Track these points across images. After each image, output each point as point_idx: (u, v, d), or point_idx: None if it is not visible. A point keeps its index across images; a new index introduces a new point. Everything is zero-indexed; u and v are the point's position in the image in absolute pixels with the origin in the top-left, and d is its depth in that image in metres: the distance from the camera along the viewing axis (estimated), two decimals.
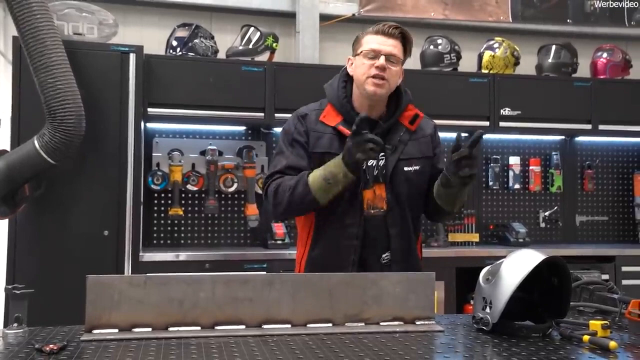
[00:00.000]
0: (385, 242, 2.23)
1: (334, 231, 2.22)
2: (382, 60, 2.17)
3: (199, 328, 1.72)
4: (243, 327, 1.74)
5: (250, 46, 4.20)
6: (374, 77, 2.19)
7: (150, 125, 4.15)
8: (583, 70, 4.80)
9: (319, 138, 2.25)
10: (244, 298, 1.76)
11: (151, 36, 4.31)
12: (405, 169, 2.25)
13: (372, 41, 2.21)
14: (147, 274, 1.77)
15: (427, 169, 2.31)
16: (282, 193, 2.19)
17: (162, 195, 4.21)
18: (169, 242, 4.24)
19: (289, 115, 3.87)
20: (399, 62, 2.22)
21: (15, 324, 1.66)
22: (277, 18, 4.72)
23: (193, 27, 4.10)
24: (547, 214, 4.84)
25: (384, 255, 2.23)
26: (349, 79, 2.31)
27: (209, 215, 4.26)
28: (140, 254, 3.64)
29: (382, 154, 2.22)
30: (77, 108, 3.26)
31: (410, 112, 2.32)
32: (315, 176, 2.14)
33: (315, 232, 2.27)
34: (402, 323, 1.83)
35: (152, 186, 4.06)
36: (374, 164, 2.23)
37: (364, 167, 2.18)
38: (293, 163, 2.23)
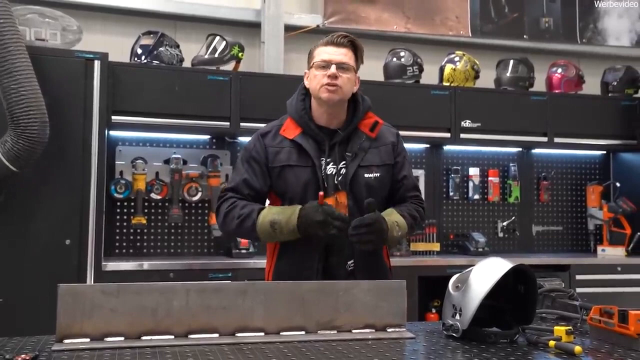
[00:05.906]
0: (349, 249, 2.26)
1: (299, 240, 2.24)
2: (333, 69, 2.25)
3: (172, 337, 1.72)
4: (217, 335, 1.75)
5: (216, 55, 4.19)
6: (327, 85, 2.26)
7: (113, 133, 4.09)
8: (539, 84, 4.94)
9: (277, 153, 2.32)
10: (218, 306, 1.77)
11: (115, 43, 4.24)
12: (366, 175, 2.31)
13: (323, 52, 2.29)
14: (119, 283, 1.76)
15: (388, 176, 2.37)
16: (231, 219, 2.28)
17: (125, 204, 4.16)
18: (131, 251, 4.18)
19: (254, 124, 4.00)
20: (350, 69, 2.29)
21: None
22: (242, 28, 4.72)
23: (158, 35, 4.06)
24: (505, 224, 4.95)
25: (349, 262, 2.28)
26: (307, 93, 2.37)
27: (173, 224, 4.22)
28: (103, 263, 3.57)
29: (343, 162, 2.29)
30: (41, 115, 3.20)
31: (370, 119, 2.39)
32: (265, 218, 2.22)
33: (281, 243, 2.31)
34: (373, 330, 1.86)
35: (115, 195, 4.01)
36: (333, 172, 2.28)
37: (322, 175, 2.26)
38: (246, 180, 2.32)
